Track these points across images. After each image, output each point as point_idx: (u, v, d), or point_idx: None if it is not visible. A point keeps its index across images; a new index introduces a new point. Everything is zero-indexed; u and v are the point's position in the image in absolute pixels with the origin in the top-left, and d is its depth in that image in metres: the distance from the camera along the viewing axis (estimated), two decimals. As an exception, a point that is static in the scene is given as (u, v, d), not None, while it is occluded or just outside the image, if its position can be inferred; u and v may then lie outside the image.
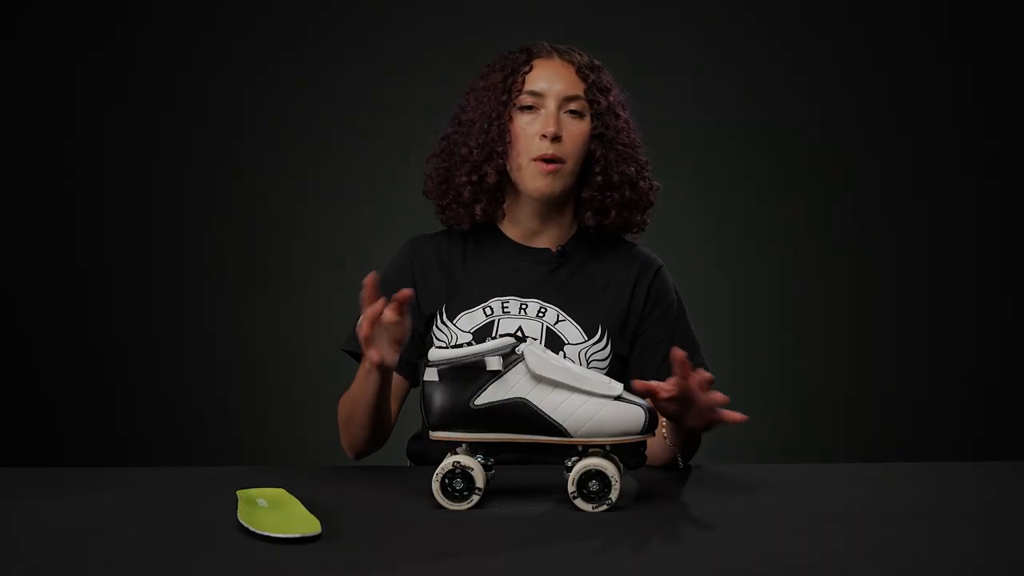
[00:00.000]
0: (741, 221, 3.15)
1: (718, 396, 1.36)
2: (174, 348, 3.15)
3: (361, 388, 1.52)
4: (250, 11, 3.13)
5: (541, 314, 1.62)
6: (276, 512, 1.22)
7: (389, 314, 1.36)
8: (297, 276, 3.16)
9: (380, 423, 1.56)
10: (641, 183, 1.66)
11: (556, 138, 1.59)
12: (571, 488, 1.27)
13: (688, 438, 1.49)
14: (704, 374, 1.34)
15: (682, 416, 1.38)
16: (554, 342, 1.60)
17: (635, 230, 1.72)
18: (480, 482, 1.26)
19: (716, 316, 3.03)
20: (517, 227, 1.68)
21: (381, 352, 1.37)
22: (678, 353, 1.33)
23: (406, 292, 1.36)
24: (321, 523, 1.17)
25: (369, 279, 1.35)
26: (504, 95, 1.62)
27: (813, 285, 3.15)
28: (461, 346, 1.29)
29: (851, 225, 3.14)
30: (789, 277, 3.15)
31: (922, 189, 3.12)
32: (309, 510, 1.23)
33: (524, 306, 1.63)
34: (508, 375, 1.27)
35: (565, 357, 1.60)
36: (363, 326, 1.35)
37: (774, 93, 3.13)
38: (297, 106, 3.15)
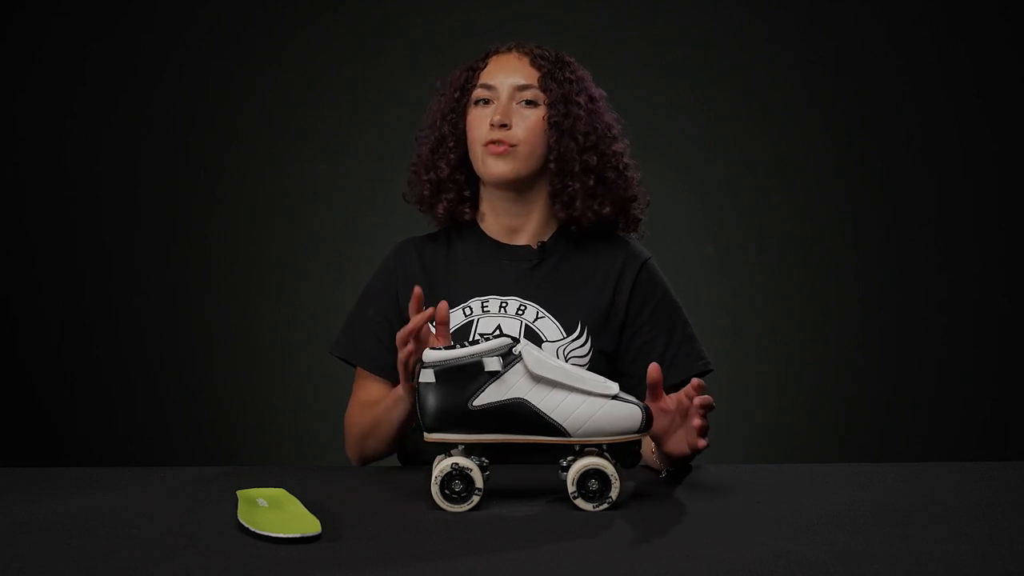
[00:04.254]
0: (741, 221, 3.14)
1: (695, 423, 1.36)
2: (174, 348, 3.15)
3: (390, 411, 1.53)
4: (249, 13, 3.13)
5: (520, 312, 1.62)
6: (276, 512, 1.22)
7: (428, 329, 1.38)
8: (297, 276, 3.16)
9: (400, 438, 1.59)
10: (608, 173, 1.64)
11: (503, 125, 1.60)
12: (571, 488, 1.27)
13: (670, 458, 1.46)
14: (704, 399, 1.35)
15: (665, 434, 1.40)
16: (532, 340, 1.59)
17: (621, 227, 1.71)
18: (480, 482, 1.27)
19: (716, 316, 3.03)
20: (496, 225, 1.69)
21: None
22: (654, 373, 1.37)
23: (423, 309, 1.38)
24: (321, 523, 1.18)
25: (417, 291, 1.38)
26: (457, 92, 1.65)
27: (813, 285, 3.14)
28: (455, 347, 1.28)
29: (851, 225, 3.14)
30: (789, 277, 3.15)
31: (922, 189, 3.12)
32: (309, 510, 1.23)
33: (504, 304, 1.63)
34: (507, 375, 1.27)
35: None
36: (404, 348, 1.36)
37: (775, 93, 3.13)
38: (296, 106, 3.15)
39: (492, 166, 1.62)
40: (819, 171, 3.14)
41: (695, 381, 1.35)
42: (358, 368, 1.69)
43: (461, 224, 1.71)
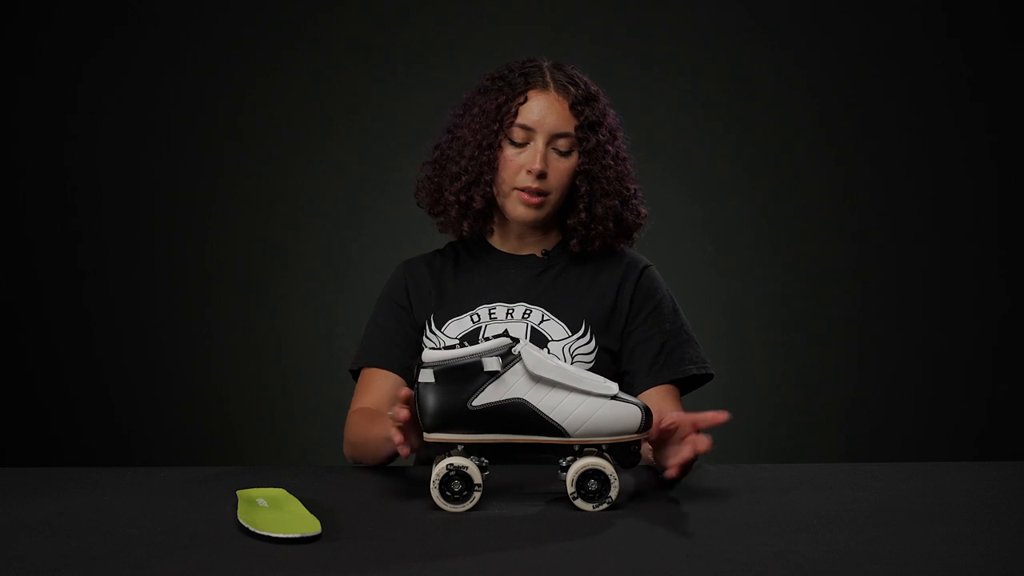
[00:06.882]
0: (740, 221, 3.14)
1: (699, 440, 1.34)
2: (174, 348, 3.15)
3: (378, 446, 1.50)
4: (250, 13, 3.13)
5: (526, 315, 1.65)
6: (276, 512, 1.22)
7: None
8: (297, 277, 3.16)
9: (388, 462, 1.57)
10: (626, 214, 1.69)
11: (541, 175, 1.63)
12: (571, 489, 1.27)
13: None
14: (702, 446, 1.33)
15: (659, 444, 1.39)
16: (538, 340, 1.62)
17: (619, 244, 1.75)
18: (478, 479, 1.27)
19: (716, 316, 3.03)
20: (504, 239, 1.73)
21: (412, 444, 1.34)
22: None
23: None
24: (321, 523, 1.18)
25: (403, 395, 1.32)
26: (496, 124, 1.64)
27: (813, 285, 3.14)
28: (454, 347, 1.28)
29: (851, 225, 3.14)
30: (788, 277, 3.15)
31: (922, 189, 3.12)
32: (309, 510, 1.23)
33: (510, 311, 1.66)
34: (506, 376, 1.27)
35: (549, 353, 1.61)
36: (401, 414, 1.31)
37: (774, 93, 3.13)
38: (297, 108, 3.15)
39: (523, 213, 1.65)
40: (819, 171, 3.14)
41: (708, 418, 1.34)
42: (363, 370, 1.69)
43: (470, 238, 1.74)
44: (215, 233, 3.15)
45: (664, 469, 1.42)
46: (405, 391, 1.32)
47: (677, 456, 1.35)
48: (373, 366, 1.68)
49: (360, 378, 1.69)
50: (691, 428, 1.35)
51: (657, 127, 3.01)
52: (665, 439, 1.39)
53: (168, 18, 3.13)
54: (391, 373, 1.66)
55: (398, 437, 1.31)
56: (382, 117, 3.10)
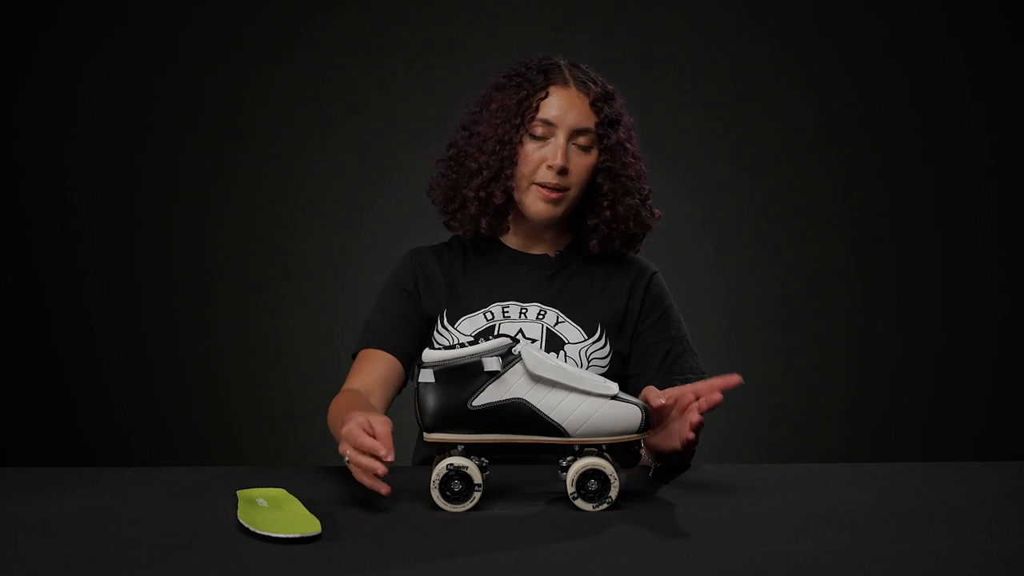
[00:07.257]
0: (740, 221, 3.14)
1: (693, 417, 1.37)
2: (174, 348, 3.15)
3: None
4: (250, 12, 3.13)
5: (541, 316, 1.65)
6: (276, 512, 1.22)
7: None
8: (297, 277, 3.16)
9: None
10: (643, 213, 1.68)
11: (562, 170, 1.62)
12: (571, 489, 1.27)
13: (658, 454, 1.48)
14: (713, 401, 1.38)
15: (654, 429, 1.41)
16: (554, 343, 1.62)
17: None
18: (478, 478, 1.27)
19: (716, 316, 3.03)
20: (516, 236, 1.72)
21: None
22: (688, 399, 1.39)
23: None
24: (321, 523, 1.18)
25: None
26: (517, 119, 1.63)
27: (813, 285, 3.14)
28: (454, 347, 1.28)
29: (851, 225, 3.14)
30: (789, 277, 3.15)
31: (922, 189, 3.12)
32: (309, 510, 1.23)
33: (524, 310, 1.66)
34: (506, 376, 1.27)
35: (566, 357, 1.61)
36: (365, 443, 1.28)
37: (774, 93, 3.13)
38: (297, 108, 3.15)
39: (542, 208, 1.64)
40: (819, 171, 3.14)
41: (720, 382, 1.39)
42: (361, 350, 1.68)
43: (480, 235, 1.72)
44: (215, 233, 3.15)
45: (663, 455, 1.43)
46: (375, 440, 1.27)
47: (685, 423, 1.37)
48: (370, 347, 1.67)
49: (357, 358, 1.68)
50: (691, 397, 1.38)
51: (657, 127, 3.00)
52: (663, 416, 1.41)
53: (168, 18, 3.13)
54: (386, 354, 1.64)
55: (384, 488, 1.26)
56: (382, 117, 3.10)
